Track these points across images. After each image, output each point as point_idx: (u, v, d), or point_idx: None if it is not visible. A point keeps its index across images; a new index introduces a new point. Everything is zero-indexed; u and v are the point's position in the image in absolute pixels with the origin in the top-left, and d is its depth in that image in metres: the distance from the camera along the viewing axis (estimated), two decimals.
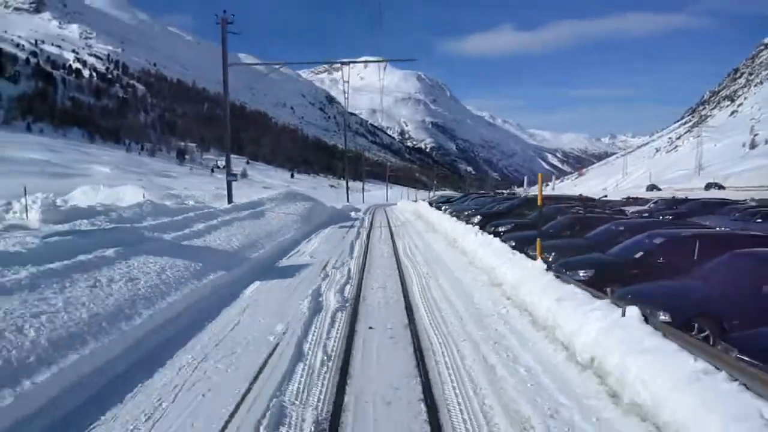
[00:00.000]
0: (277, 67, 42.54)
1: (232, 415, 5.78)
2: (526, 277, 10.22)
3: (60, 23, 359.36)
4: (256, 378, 6.86)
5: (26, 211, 20.34)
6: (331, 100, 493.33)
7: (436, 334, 8.71)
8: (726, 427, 4.40)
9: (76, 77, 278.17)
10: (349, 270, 14.60)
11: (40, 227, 16.80)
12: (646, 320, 6.49)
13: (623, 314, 6.76)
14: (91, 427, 5.64)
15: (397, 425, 5.58)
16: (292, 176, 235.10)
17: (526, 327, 8.83)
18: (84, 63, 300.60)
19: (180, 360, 7.61)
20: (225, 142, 30.27)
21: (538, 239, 11.79)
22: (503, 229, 18.52)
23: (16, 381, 5.75)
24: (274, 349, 7.94)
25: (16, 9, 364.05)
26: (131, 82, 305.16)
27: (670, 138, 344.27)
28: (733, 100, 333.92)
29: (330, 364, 7.39)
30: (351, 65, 38.45)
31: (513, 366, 7.15)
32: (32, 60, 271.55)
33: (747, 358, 5.51)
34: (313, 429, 5.51)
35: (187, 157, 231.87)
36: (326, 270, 14.55)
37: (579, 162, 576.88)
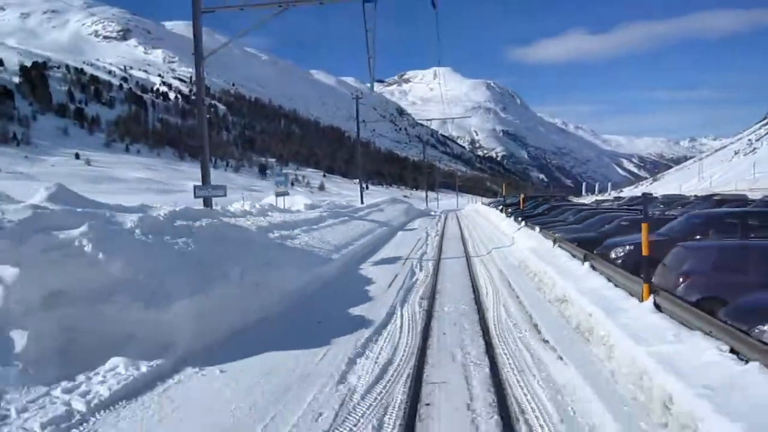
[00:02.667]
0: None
1: (406, 260, 19.10)
2: (502, 220, 23.15)
3: (145, 49, 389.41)
4: (415, 246, 20.17)
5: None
6: (401, 112, 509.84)
7: (472, 244, 21.86)
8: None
9: (163, 100, 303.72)
10: (437, 231, 28.21)
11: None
12: (539, 231, 19.16)
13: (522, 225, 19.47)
14: (368, 262, 18.92)
15: (458, 271, 18.70)
16: (367, 188, 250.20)
17: (502, 237, 21.58)
18: (169, 86, 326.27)
19: (384, 250, 21.07)
20: (356, 161, 44.30)
21: (504, 206, 24.64)
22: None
23: (329, 258, 18.87)
24: (415, 245, 21.22)
25: (105, 37, 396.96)
26: (213, 102, 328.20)
27: (749, 140, 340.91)
28: None
29: (437, 238, 20.72)
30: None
31: (492, 242, 20.05)
32: (124, 85, 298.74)
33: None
34: (431, 273, 18.63)
35: (268, 171, 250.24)
36: (427, 230, 28.56)
37: (656, 167, 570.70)
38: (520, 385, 6.68)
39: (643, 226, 8.02)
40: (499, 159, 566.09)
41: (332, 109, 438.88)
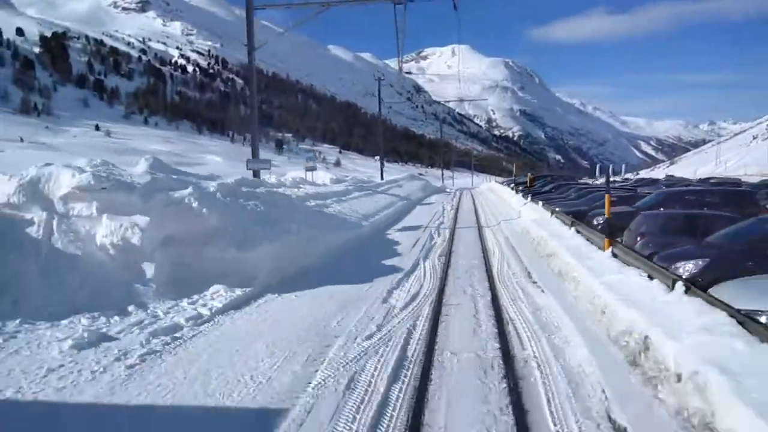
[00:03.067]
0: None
1: (426, 228, 21.93)
2: (512, 196, 25.83)
3: (164, 21, 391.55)
4: (433, 217, 22.98)
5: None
6: (418, 89, 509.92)
7: (484, 216, 24.63)
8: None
9: (182, 73, 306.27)
10: (452, 205, 30.92)
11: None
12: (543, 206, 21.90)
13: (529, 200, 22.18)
14: (393, 228, 21.75)
15: (470, 238, 21.50)
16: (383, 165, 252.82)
17: (510, 210, 24.33)
18: (187, 59, 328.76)
19: (405, 220, 23.92)
20: (378, 140, 46.99)
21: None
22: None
23: (359, 224, 21.69)
24: (432, 216, 24.00)
25: (124, 9, 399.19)
26: (230, 76, 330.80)
27: None
28: None
29: (453, 212, 23.55)
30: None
31: (501, 214, 22.82)
32: (143, 57, 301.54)
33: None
34: (456, 211, 21.45)
35: (284, 146, 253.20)
36: (443, 204, 31.32)
37: (673, 150, 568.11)
38: (512, 307, 9.48)
39: (606, 197, 10.84)
40: (515, 139, 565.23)
41: (348, 85, 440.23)
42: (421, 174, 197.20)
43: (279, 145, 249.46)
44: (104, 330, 8.08)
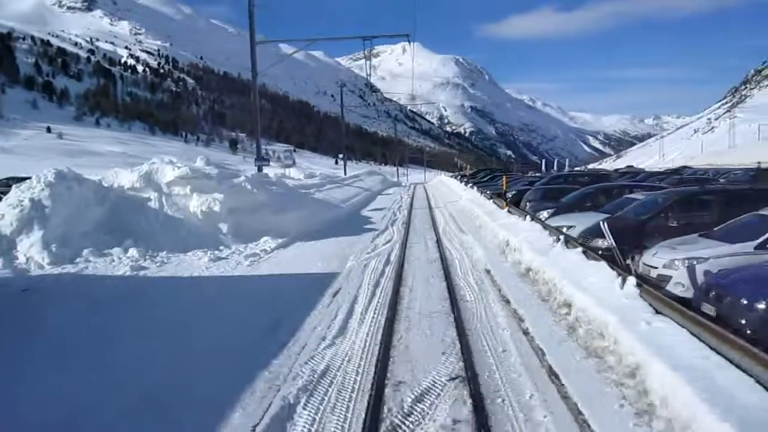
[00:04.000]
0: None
1: (389, 209, 28.68)
2: (457, 186, 32.77)
3: (111, 20, 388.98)
4: (394, 202, 29.76)
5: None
6: (370, 87, 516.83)
7: (434, 201, 31.53)
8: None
9: (132, 73, 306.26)
10: (408, 194, 37.68)
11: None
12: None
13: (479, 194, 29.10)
14: (364, 209, 28.42)
15: (423, 213, 28.34)
16: (336, 163, 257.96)
17: (454, 196, 31.21)
18: (137, 59, 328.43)
19: (372, 204, 30.61)
20: (342, 142, 53.17)
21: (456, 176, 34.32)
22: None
23: (340, 206, 28.26)
24: (393, 202, 30.79)
25: (70, 8, 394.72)
26: (181, 76, 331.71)
27: (708, 119, 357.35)
28: None
29: (409, 199, 30.29)
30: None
31: (448, 199, 29.75)
32: (92, 58, 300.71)
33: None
34: (412, 198, 28.28)
35: (238, 146, 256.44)
36: (401, 194, 37.88)
37: (620, 144, 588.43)
38: (448, 242, 16.24)
39: (504, 177, 17.73)
40: (467, 135, 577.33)
41: (300, 84, 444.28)
42: (374, 171, 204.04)
43: (233, 145, 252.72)
44: (218, 254, 14.54)
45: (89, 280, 11.85)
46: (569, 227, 13.10)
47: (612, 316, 6.51)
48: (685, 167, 46.53)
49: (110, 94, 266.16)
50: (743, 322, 6.24)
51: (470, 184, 34.13)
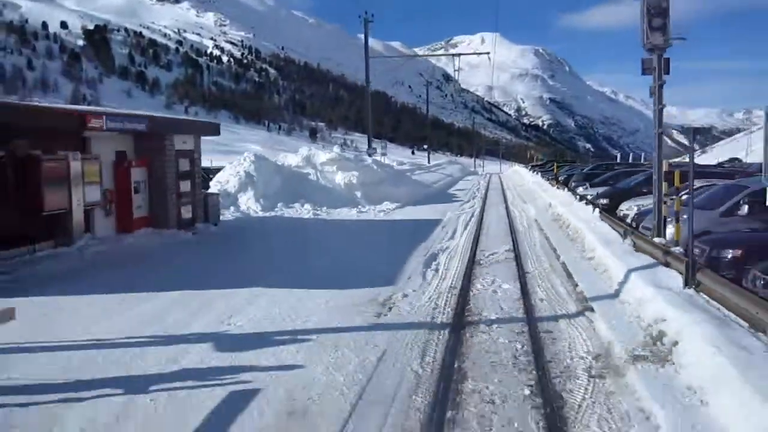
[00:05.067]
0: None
1: (470, 190, 36.39)
2: (527, 173, 40.08)
3: (197, 12, 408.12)
4: (473, 185, 37.44)
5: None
6: (447, 77, 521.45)
7: (506, 184, 38.98)
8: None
9: (217, 63, 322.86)
10: (486, 180, 45.16)
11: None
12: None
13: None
14: (450, 189, 36.26)
15: (497, 192, 35.95)
16: (413, 153, 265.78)
17: (523, 180, 38.45)
18: (222, 50, 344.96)
19: (455, 186, 38.40)
20: (428, 135, 61.27)
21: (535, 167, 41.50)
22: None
23: (431, 186, 36.02)
24: (473, 185, 38.47)
25: (159, 0, 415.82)
26: (264, 66, 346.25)
27: None
28: None
29: (485, 183, 37.90)
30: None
31: (517, 183, 37.13)
32: (180, 49, 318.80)
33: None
34: (488, 183, 35.90)
35: (318, 135, 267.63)
36: (479, 180, 45.39)
37: (707, 139, 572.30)
38: (512, 208, 23.81)
39: (555, 165, 25.07)
40: (545, 127, 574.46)
41: (378, 74, 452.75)
42: (451, 162, 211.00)
43: (313, 134, 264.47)
44: (360, 209, 22.62)
45: (291, 219, 20.10)
46: (590, 194, 20.54)
47: (583, 225, 14.07)
48: (735, 159, 51.38)
49: (197, 84, 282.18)
50: (640, 224, 13.65)
51: (537, 172, 41.20)
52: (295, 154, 26.22)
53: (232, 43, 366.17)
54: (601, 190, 20.94)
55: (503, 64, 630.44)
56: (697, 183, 11.90)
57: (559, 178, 27.70)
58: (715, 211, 11.69)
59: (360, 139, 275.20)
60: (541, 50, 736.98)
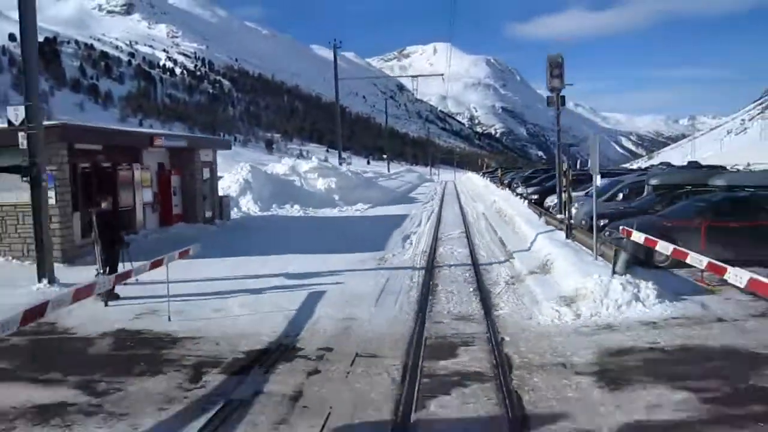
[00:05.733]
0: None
1: (428, 194, 41.61)
2: (479, 179, 45.48)
3: (149, 24, 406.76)
4: (430, 190, 42.71)
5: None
6: (401, 88, 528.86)
7: (460, 188, 44.32)
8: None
9: (170, 76, 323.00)
10: (442, 186, 50.56)
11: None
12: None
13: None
14: (411, 193, 41.44)
15: (452, 195, 41.28)
16: (368, 163, 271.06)
17: (474, 185, 43.85)
18: (175, 62, 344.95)
19: (415, 191, 43.62)
20: (385, 144, 66.05)
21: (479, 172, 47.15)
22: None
23: (395, 191, 41.12)
24: (431, 190, 43.74)
25: (109, 12, 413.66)
26: (217, 78, 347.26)
27: (742, 119, 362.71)
28: None
29: (441, 189, 43.14)
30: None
31: (469, 187, 42.47)
32: (132, 61, 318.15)
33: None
34: (444, 189, 41.18)
35: (274, 146, 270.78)
36: (435, 186, 50.67)
37: (654, 145, 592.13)
38: (465, 206, 29.01)
39: (500, 170, 30.43)
40: (497, 136, 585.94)
41: (332, 85, 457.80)
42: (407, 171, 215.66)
43: (269, 145, 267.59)
44: (339, 209, 27.52)
45: (286, 217, 24.84)
46: (526, 192, 25.85)
47: (515, 212, 19.24)
48: (666, 164, 57.66)
49: (150, 97, 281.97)
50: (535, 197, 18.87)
51: (488, 178, 46.71)
52: (282, 164, 30.97)
53: (185, 54, 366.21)
54: (531, 189, 26.30)
55: (456, 74, 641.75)
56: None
57: (504, 181, 33.02)
58: (601, 198, 16.95)
59: (316, 150, 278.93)
60: (492, 60, 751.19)
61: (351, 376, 6.34)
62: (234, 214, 24.60)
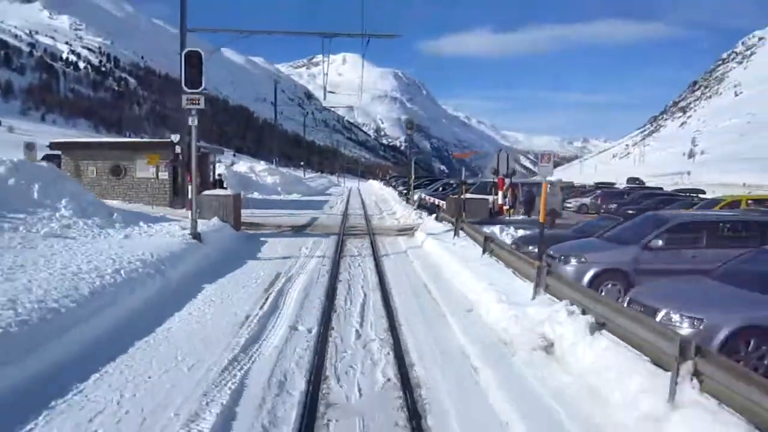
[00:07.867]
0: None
1: (340, 193, 58.46)
2: (381, 187, 62.59)
3: (50, 14, 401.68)
4: (340, 192, 59.60)
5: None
6: (309, 96, 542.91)
7: (364, 194, 61.40)
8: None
9: (74, 70, 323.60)
10: (349, 190, 67.57)
11: None
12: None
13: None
14: (327, 191, 58.08)
15: (356, 196, 58.33)
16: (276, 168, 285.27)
17: (377, 191, 60.69)
18: (78, 55, 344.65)
19: (328, 191, 60.36)
20: (302, 152, 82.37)
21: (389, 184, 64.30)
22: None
23: (315, 189, 57.45)
24: (340, 191, 60.60)
25: None
26: (123, 75, 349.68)
27: (626, 145, 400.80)
28: (684, 111, 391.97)
29: (348, 191, 60.09)
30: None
31: (372, 193, 59.48)
32: (34, 52, 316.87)
33: None
34: (350, 189, 58.07)
35: None
36: (343, 190, 67.70)
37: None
38: (366, 200, 45.87)
39: (388, 177, 47.54)
40: (402, 148, 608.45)
41: (240, 89, 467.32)
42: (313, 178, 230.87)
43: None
44: (282, 195, 43.79)
45: (254, 198, 40.85)
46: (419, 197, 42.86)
47: (391, 198, 36.27)
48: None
49: (53, 90, 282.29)
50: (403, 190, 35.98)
51: (386, 184, 63.63)
52: (242, 164, 46.74)
53: (89, 48, 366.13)
54: (401, 188, 43.37)
55: (364, 85, 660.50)
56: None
57: (393, 184, 49.81)
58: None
59: (224, 153, 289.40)
60: (400, 73, 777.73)
61: (329, 227, 23.10)
62: None
